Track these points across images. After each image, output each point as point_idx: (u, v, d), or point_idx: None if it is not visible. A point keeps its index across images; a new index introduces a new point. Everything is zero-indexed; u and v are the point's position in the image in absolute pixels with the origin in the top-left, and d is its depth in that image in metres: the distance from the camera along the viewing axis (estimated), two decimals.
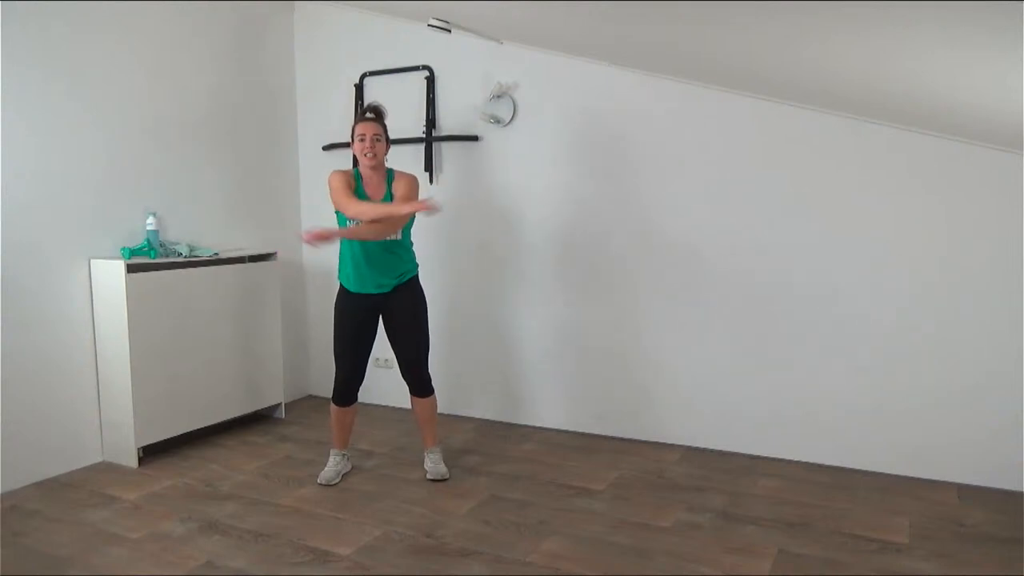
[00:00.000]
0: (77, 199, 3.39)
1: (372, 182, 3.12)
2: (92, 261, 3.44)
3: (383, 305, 3.18)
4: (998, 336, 3.07)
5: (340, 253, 3.16)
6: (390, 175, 3.15)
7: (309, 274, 4.64)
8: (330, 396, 3.29)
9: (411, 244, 3.23)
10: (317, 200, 4.45)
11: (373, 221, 2.94)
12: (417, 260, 3.27)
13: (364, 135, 3.04)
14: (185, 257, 3.67)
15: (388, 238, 3.07)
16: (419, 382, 3.25)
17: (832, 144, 3.28)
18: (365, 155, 3.04)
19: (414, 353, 3.23)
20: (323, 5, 4.39)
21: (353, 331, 3.17)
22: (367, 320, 3.19)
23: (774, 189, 3.41)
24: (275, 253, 4.14)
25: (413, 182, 3.14)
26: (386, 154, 3.15)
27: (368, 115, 3.11)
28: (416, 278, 3.24)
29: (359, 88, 4.30)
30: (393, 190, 3.11)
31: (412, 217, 3.17)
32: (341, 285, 3.19)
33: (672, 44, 3.01)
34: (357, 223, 3.01)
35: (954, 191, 3.12)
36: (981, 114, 2.65)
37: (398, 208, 2.92)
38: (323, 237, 2.86)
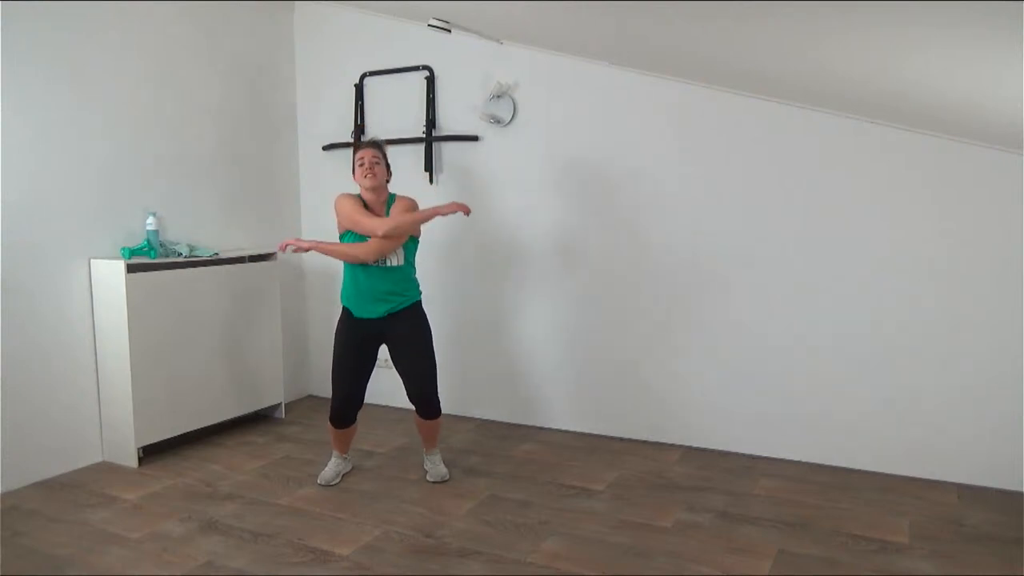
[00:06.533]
0: (77, 199, 3.40)
1: (374, 208, 3.10)
2: (92, 261, 3.44)
3: (386, 332, 3.15)
4: (998, 336, 3.08)
5: (344, 276, 3.15)
6: (391, 200, 3.14)
7: (309, 274, 4.64)
8: (329, 396, 3.28)
9: (415, 271, 3.20)
10: (317, 200, 4.46)
11: (388, 237, 3.00)
12: (416, 265, 3.25)
13: (363, 159, 3.05)
14: (185, 257, 3.67)
15: (389, 263, 3.05)
16: (427, 406, 3.21)
17: (832, 144, 3.28)
18: (365, 177, 3.04)
19: (422, 380, 3.17)
20: (323, 5, 4.39)
21: (353, 357, 3.14)
22: (368, 346, 3.16)
23: (774, 189, 3.41)
24: (275, 253, 4.14)
25: (411, 202, 3.13)
26: (387, 180, 3.13)
27: (367, 144, 3.12)
28: (419, 304, 3.21)
29: (359, 88, 4.30)
30: (391, 213, 3.09)
31: (415, 242, 3.16)
32: (344, 308, 3.17)
33: (672, 44, 3.01)
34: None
35: (954, 191, 3.12)
36: (981, 114, 2.65)
37: (433, 211, 3.07)
38: (300, 248, 3.10)
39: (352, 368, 3.15)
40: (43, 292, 3.28)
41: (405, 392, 3.20)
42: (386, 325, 3.13)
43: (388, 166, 3.15)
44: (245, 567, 2.52)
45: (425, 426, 3.27)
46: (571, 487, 3.20)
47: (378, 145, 3.14)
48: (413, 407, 3.24)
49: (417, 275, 3.23)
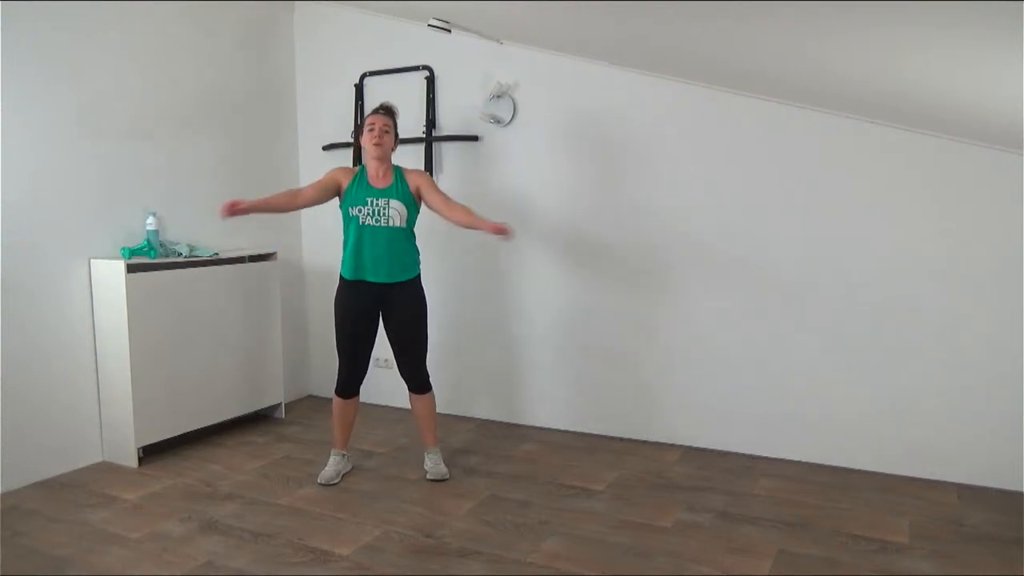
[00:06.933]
0: (77, 199, 3.39)
1: (377, 175, 3.13)
2: (92, 261, 3.44)
3: (383, 301, 3.19)
4: (998, 336, 3.07)
5: (344, 241, 3.18)
6: (398, 172, 3.18)
7: (309, 274, 4.64)
8: (330, 396, 3.30)
9: (414, 238, 3.24)
10: None
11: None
12: (420, 259, 3.28)
13: (374, 125, 3.11)
14: (185, 257, 3.67)
15: (392, 223, 3.10)
16: (416, 379, 3.27)
17: (832, 144, 3.28)
18: (373, 143, 3.08)
19: (412, 352, 3.25)
20: (323, 5, 4.39)
21: (353, 323, 3.18)
22: (368, 311, 3.19)
23: (773, 189, 3.41)
24: (275, 253, 4.14)
25: (428, 176, 3.23)
26: (393, 149, 3.18)
27: (380, 110, 3.19)
28: (418, 279, 3.25)
29: (359, 88, 4.30)
30: (408, 182, 3.16)
31: (416, 210, 3.19)
32: (341, 277, 3.20)
33: (672, 44, 3.01)
34: (359, 215, 3.08)
35: (954, 191, 3.12)
36: (981, 114, 2.65)
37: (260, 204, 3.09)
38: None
39: (352, 334, 3.18)
40: (43, 292, 3.28)
41: (398, 371, 3.30)
42: (386, 295, 3.17)
43: (397, 136, 3.21)
44: (245, 567, 2.52)
45: (419, 404, 3.31)
46: (571, 487, 3.20)
47: (392, 114, 3.20)
48: (407, 389, 3.31)
49: (418, 260, 3.27)
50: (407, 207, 3.13)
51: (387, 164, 3.16)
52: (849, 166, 3.27)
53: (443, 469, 3.30)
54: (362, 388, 3.31)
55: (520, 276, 4.00)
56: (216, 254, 3.83)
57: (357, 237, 3.11)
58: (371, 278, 3.13)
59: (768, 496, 3.08)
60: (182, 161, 3.88)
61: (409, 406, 3.41)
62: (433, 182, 3.23)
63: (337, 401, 3.29)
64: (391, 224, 3.10)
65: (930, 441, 3.22)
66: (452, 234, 4.10)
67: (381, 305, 3.20)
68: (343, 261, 3.18)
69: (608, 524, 2.83)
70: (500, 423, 4.13)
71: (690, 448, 3.67)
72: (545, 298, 3.95)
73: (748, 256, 3.48)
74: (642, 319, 3.73)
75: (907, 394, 3.24)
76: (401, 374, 3.30)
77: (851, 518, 2.87)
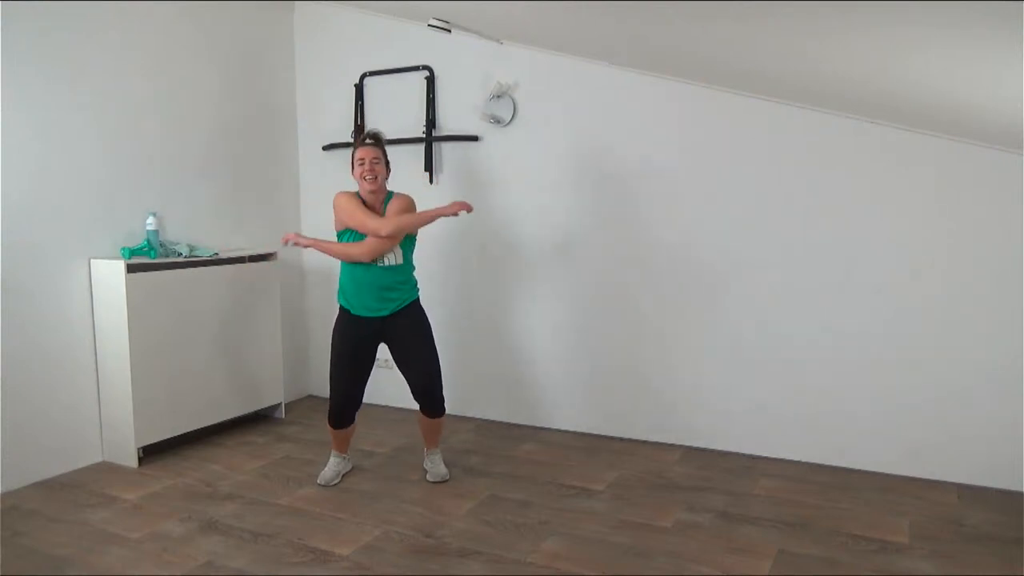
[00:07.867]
0: (77, 199, 3.40)
1: (373, 205, 3.09)
2: (92, 261, 3.44)
3: (384, 332, 3.14)
4: (998, 336, 3.07)
5: (341, 274, 3.14)
6: (388, 197, 3.12)
7: (309, 274, 4.64)
8: (328, 396, 3.28)
9: (413, 268, 3.20)
10: (317, 200, 4.46)
11: (388, 237, 2.99)
12: (416, 264, 3.24)
13: (364, 159, 3.02)
14: (185, 257, 3.67)
15: (387, 262, 3.04)
16: (433, 404, 3.20)
17: (832, 144, 3.28)
18: (365, 178, 3.01)
19: (426, 378, 3.16)
20: (323, 5, 4.39)
21: (351, 356, 3.12)
22: (366, 345, 3.15)
23: (774, 190, 3.41)
24: (275, 253, 4.14)
25: (408, 200, 3.11)
26: (387, 178, 3.12)
27: (367, 141, 3.09)
28: (417, 302, 3.20)
29: (359, 88, 4.30)
30: (387, 211, 3.07)
31: (413, 241, 3.16)
32: (341, 307, 3.16)
33: (672, 44, 3.01)
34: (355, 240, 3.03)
35: (954, 191, 3.12)
36: (981, 114, 2.65)
37: (436, 212, 3.05)
38: (300, 243, 3.18)
39: (350, 369, 3.14)
40: (43, 292, 3.28)
41: (410, 390, 3.19)
42: (385, 325, 3.12)
43: (387, 163, 3.13)
44: (245, 567, 2.53)
45: (429, 424, 3.27)
46: (571, 487, 3.20)
47: (379, 143, 3.10)
48: (416, 405, 3.24)
49: (416, 273, 3.22)
50: (401, 244, 3.07)
51: (381, 195, 3.10)
52: (849, 166, 3.27)
53: (443, 470, 3.30)
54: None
55: (520, 276, 4.00)
56: (216, 254, 3.83)
57: (354, 274, 3.07)
58: (370, 313, 3.09)
59: (768, 496, 3.08)
60: (182, 161, 3.88)
61: (409, 406, 3.40)
62: (403, 208, 3.05)
63: (331, 429, 3.24)
64: (386, 264, 3.05)
65: (930, 441, 3.22)
66: (453, 235, 4.10)
67: (382, 337, 3.15)
68: (341, 288, 3.14)
69: (608, 524, 2.83)
70: (500, 423, 4.13)
71: (690, 448, 3.67)
72: (545, 298, 3.95)
73: (748, 256, 3.48)
74: (642, 319, 3.73)
75: (907, 394, 3.24)
76: (415, 396, 3.19)
77: (851, 518, 2.87)
